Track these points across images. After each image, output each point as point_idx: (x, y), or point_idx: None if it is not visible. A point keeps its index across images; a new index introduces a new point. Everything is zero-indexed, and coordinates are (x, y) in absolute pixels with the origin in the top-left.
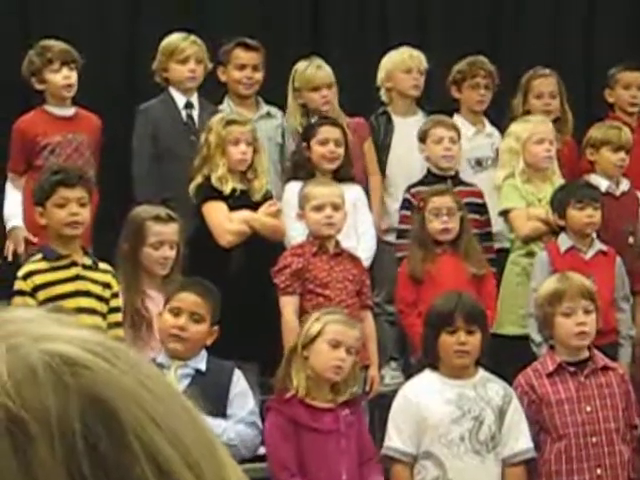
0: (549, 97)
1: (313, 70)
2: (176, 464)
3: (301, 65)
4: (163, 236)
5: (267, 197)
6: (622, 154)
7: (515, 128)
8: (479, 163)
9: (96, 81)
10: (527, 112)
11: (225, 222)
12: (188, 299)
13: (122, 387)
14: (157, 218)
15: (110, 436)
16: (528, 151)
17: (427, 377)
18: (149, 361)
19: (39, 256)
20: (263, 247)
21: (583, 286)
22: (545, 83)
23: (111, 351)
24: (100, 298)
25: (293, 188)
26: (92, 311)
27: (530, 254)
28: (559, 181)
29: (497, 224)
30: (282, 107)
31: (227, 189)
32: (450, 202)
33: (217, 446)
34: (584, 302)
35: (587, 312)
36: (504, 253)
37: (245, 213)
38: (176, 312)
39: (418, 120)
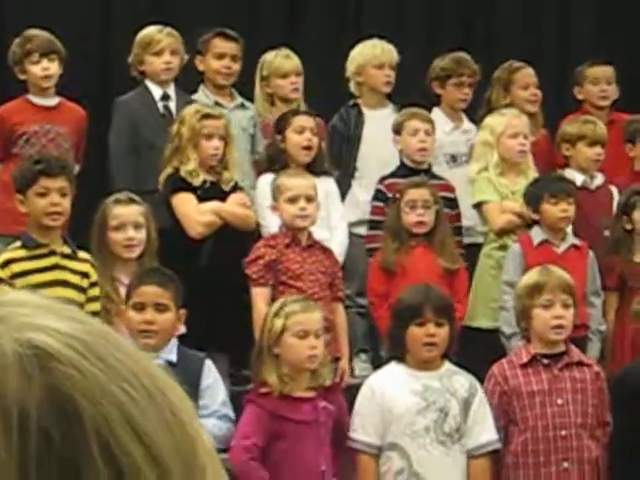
0: (534, 87)
1: (282, 58)
2: (141, 471)
3: (269, 55)
4: (123, 217)
5: (236, 188)
6: (598, 148)
7: (490, 121)
8: (454, 159)
9: (71, 74)
10: (508, 105)
11: (195, 213)
12: (149, 291)
13: (92, 385)
14: (117, 201)
15: (67, 433)
16: (502, 144)
17: (393, 369)
18: (143, 357)
19: (18, 244)
20: (233, 237)
21: (563, 280)
22: (529, 74)
23: (93, 349)
24: (78, 288)
25: (267, 179)
26: (69, 301)
27: (503, 247)
28: (534, 175)
29: (470, 219)
30: (253, 100)
31: (197, 182)
32: (427, 195)
33: (198, 451)
34: (563, 296)
35: (565, 306)
36: (476, 248)
37: (214, 204)
38: (140, 307)
39: (389, 112)
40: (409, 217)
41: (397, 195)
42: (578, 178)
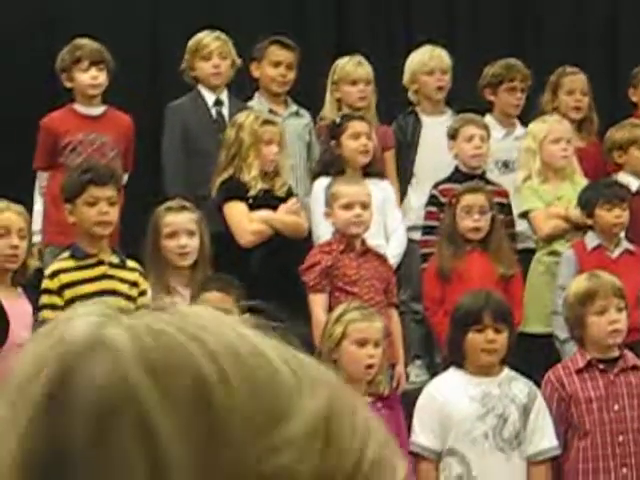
0: (580, 94)
1: (353, 65)
2: None
3: (343, 60)
4: (176, 225)
5: (289, 194)
6: None
7: (532, 128)
8: (506, 165)
9: (122, 79)
10: (555, 109)
11: (245, 222)
12: (211, 298)
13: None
14: (168, 209)
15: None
16: (545, 150)
17: (452, 375)
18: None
19: (67, 254)
20: (284, 245)
21: (614, 284)
22: (576, 80)
23: (238, 371)
24: (127, 297)
25: (322, 184)
26: None
27: (554, 253)
28: (580, 179)
29: (521, 224)
30: (307, 107)
31: (254, 190)
32: (483, 200)
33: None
34: (616, 300)
35: (619, 310)
36: (527, 253)
37: (265, 213)
38: None
39: (446, 119)
40: (465, 222)
41: (453, 200)
42: (633, 183)
